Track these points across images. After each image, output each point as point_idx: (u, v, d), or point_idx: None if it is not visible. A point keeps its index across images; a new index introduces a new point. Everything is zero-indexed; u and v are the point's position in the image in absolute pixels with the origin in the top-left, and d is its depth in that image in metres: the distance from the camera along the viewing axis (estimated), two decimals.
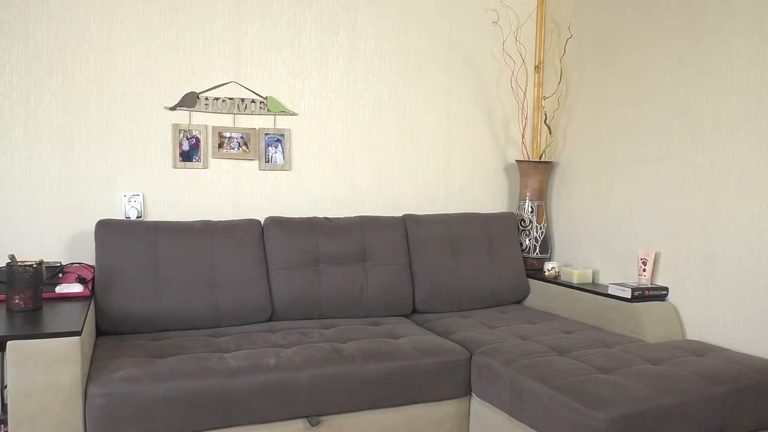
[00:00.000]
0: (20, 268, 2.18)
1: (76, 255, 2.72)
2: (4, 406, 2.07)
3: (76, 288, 2.43)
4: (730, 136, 2.50)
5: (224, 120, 2.97)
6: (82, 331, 1.96)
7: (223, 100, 2.95)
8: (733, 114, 2.49)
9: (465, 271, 3.09)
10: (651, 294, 2.72)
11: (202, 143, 2.93)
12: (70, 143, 2.74)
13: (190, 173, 2.93)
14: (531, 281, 3.27)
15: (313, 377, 2.18)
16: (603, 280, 3.09)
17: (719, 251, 2.53)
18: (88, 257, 2.68)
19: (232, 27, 2.96)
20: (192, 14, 2.89)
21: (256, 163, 3.04)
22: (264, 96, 3.03)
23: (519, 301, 3.28)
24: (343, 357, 2.28)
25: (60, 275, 2.51)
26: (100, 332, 2.47)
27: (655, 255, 2.79)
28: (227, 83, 2.97)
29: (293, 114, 3.09)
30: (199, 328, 2.58)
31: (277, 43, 3.04)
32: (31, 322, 2.06)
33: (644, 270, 2.80)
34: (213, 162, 2.97)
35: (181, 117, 2.90)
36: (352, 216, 3.03)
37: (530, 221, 3.36)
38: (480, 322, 2.83)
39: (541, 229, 3.36)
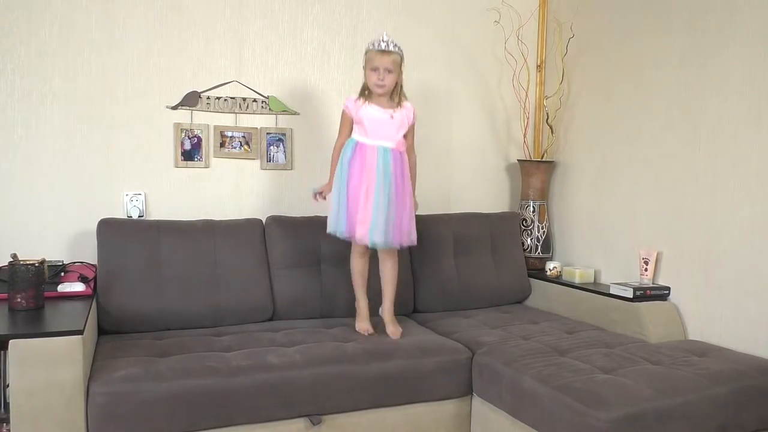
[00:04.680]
0: (22, 267, 2.18)
1: (78, 254, 2.72)
2: (6, 405, 2.07)
3: (78, 287, 2.43)
4: (733, 135, 2.49)
5: (226, 119, 2.97)
6: (83, 330, 1.96)
7: (225, 100, 2.96)
8: (735, 113, 2.48)
9: (466, 270, 3.09)
10: (653, 294, 2.72)
11: (203, 142, 2.93)
12: (72, 142, 2.74)
13: (191, 172, 2.93)
14: (533, 281, 3.27)
15: (314, 376, 2.18)
16: (605, 279, 3.08)
17: (721, 251, 2.53)
18: (90, 256, 2.68)
19: (234, 26, 2.96)
20: (194, 13, 2.89)
21: (257, 162, 3.04)
22: (266, 95, 3.03)
23: (520, 301, 3.27)
24: (344, 356, 2.28)
25: (62, 274, 2.51)
26: (101, 331, 2.47)
27: (657, 255, 2.78)
28: (229, 82, 2.97)
29: (295, 113, 3.09)
30: (200, 327, 2.58)
31: (279, 42, 3.04)
32: (33, 321, 2.07)
33: (646, 270, 2.79)
34: (214, 161, 2.97)
35: (183, 116, 2.90)
36: None
37: (532, 221, 3.36)
38: (481, 321, 2.83)
39: (542, 228, 3.36)
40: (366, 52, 2.48)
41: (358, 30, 3.16)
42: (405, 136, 2.52)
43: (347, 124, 2.52)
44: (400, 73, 2.48)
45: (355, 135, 2.49)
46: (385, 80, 2.43)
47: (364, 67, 2.49)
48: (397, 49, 2.45)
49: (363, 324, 2.56)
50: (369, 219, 2.39)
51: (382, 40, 2.43)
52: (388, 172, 2.41)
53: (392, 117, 2.47)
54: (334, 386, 2.21)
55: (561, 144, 3.39)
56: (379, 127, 2.45)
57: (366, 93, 2.50)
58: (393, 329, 2.53)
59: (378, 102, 2.48)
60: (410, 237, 2.50)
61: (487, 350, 2.41)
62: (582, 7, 3.24)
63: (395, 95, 2.50)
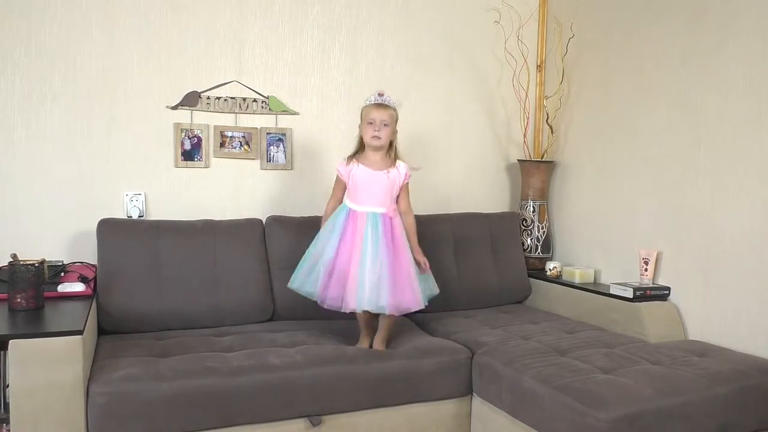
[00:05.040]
0: (22, 267, 2.18)
1: (78, 254, 2.72)
2: (6, 405, 2.07)
3: (78, 287, 2.43)
4: (733, 135, 2.49)
5: (226, 119, 2.97)
6: (83, 330, 1.96)
7: (225, 100, 2.96)
8: (735, 113, 2.48)
9: (466, 270, 3.09)
10: (653, 294, 2.72)
11: (203, 142, 2.93)
12: (72, 142, 2.74)
13: (191, 172, 2.93)
14: (533, 281, 3.27)
15: (314, 377, 2.18)
16: (605, 279, 3.08)
17: (721, 251, 2.53)
18: (90, 256, 2.68)
19: (234, 26, 2.96)
20: (194, 13, 2.89)
21: (257, 162, 3.04)
22: (266, 95, 3.03)
23: (520, 301, 3.27)
24: (345, 356, 2.28)
25: (62, 274, 2.51)
26: (101, 331, 2.47)
27: (657, 254, 2.78)
28: (229, 82, 2.97)
29: (295, 113, 3.09)
30: (200, 328, 2.58)
31: (279, 42, 3.04)
32: (33, 321, 2.07)
33: (646, 270, 2.79)
34: (214, 161, 2.97)
35: (183, 116, 2.90)
36: None
37: (532, 221, 3.36)
38: (481, 321, 2.83)
39: (542, 228, 3.36)
40: (362, 109, 2.45)
41: (358, 30, 3.16)
42: (398, 199, 2.47)
43: (340, 187, 2.50)
44: (395, 130, 2.45)
45: (347, 200, 2.46)
46: (381, 133, 2.39)
47: (360, 125, 2.46)
48: (393, 105, 2.43)
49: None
50: (356, 287, 2.31)
51: (380, 95, 2.43)
52: (378, 238, 2.35)
53: (387, 175, 2.42)
54: (334, 386, 2.21)
55: (561, 144, 3.39)
56: (369, 192, 2.41)
57: (358, 153, 2.46)
58: (377, 346, 2.45)
59: (371, 161, 2.44)
60: (415, 301, 2.38)
61: (487, 350, 2.41)
62: (582, 7, 3.24)
63: (390, 152, 2.46)
